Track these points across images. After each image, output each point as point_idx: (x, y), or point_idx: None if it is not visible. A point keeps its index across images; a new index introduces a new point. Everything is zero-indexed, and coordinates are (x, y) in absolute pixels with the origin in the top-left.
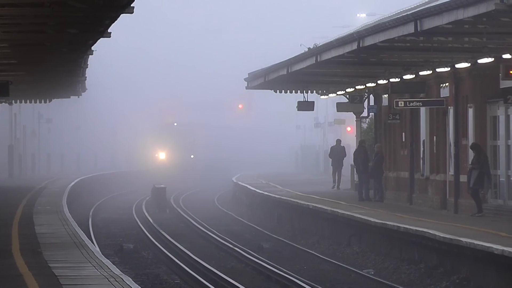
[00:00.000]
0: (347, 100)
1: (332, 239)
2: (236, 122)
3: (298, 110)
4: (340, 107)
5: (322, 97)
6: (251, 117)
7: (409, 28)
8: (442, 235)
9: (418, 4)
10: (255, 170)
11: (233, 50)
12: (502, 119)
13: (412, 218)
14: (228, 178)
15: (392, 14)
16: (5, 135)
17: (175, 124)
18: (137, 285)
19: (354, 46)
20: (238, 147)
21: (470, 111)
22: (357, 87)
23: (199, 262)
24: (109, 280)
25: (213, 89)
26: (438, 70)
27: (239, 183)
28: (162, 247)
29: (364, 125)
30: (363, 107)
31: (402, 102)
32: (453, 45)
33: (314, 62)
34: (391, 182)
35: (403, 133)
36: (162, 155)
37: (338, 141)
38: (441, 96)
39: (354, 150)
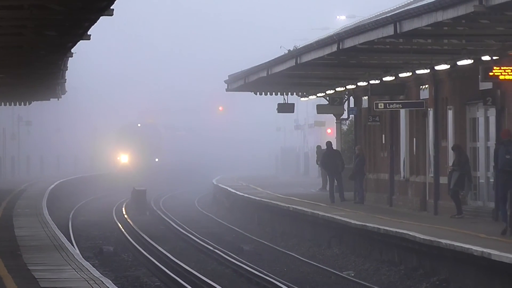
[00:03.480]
0: (327, 102)
1: (312, 241)
2: (215, 124)
3: (278, 112)
4: (320, 109)
5: (302, 99)
6: (231, 119)
7: (389, 30)
8: (422, 236)
9: (397, 6)
10: (235, 173)
11: (213, 52)
12: (481, 121)
13: (392, 219)
14: (201, 183)
15: (371, 16)
16: None
17: (139, 125)
18: None
19: (334, 48)
20: (214, 150)
21: (450, 113)
22: (337, 89)
23: (179, 264)
24: (89, 283)
25: (193, 91)
26: (417, 72)
27: (220, 185)
28: (142, 249)
29: (344, 127)
30: (343, 109)
31: (382, 104)
32: (432, 47)
33: (294, 64)
34: (371, 184)
35: (383, 135)
36: (124, 159)
37: (329, 143)
38: (421, 98)
39: (324, 152)
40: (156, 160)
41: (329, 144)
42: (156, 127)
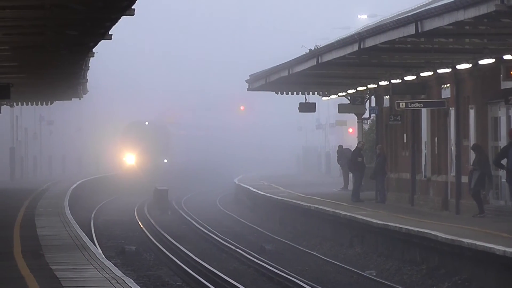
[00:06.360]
0: (349, 102)
1: (334, 240)
2: (237, 124)
3: (299, 111)
4: (342, 108)
5: (324, 98)
6: (253, 119)
7: (410, 29)
8: (443, 236)
9: (418, 5)
10: (256, 173)
11: (234, 52)
12: (503, 120)
13: (414, 219)
14: (222, 183)
15: (393, 16)
16: (6, 137)
17: (146, 123)
18: (139, 287)
19: (355, 47)
20: (235, 149)
21: (471, 112)
22: (358, 88)
23: (201, 264)
24: (111, 282)
25: (214, 91)
26: (439, 71)
27: (241, 184)
28: (164, 248)
29: (366, 126)
30: (365, 108)
31: (403, 103)
32: (454, 46)
33: (315, 63)
34: (392, 183)
35: (405, 134)
36: (130, 160)
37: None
38: (442, 97)
39: (352, 151)
40: (165, 161)
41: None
42: (165, 125)
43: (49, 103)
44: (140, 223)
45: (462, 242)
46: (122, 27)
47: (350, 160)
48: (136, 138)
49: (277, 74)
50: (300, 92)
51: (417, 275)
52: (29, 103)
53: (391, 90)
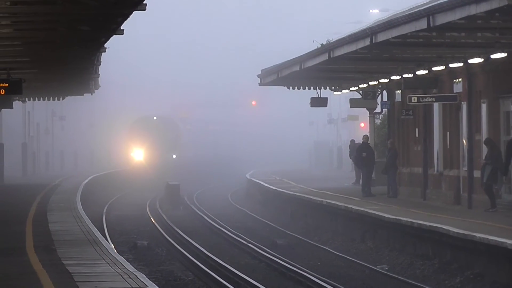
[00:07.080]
0: (360, 96)
1: (346, 235)
2: (249, 119)
3: (311, 106)
4: (353, 103)
5: (335, 93)
6: (265, 113)
7: (422, 24)
8: (456, 230)
9: None
10: (268, 168)
11: (246, 47)
12: None
13: (426, 213)
14: (233, 177)
15: (404, 10)
16: (18, 133)
17: (155, 118)
18: (151, 282)
19: (367, 42)
20: (247, 144)
21: (483, 106)
22: (370, 83)
23: (213, 259)
24: (123, 277)
25: (226, 86)
26: (451, 65)
27: (253, 179)
28: (176, 243)
29: (378, 121)
30: (376, 103)
31: (415, 98)
32: (466, 41)
33: (327, 58)
34: (404, 178)
35: (417, 129)
36: (139, 155)
37: (365, 137)
38: (454, 91)
39: (359, 145)
40: (174, 156)
41: (365, 137)
42: (174, 120)
43: (61, 99)
44: (152, 218)
45: (474, 237)
46: (133, 22)
47: (355, 156)
48: (144, 134)
49: (289, 69)
50: (311, 87)
51: (429, 269)
52: (41, 99)
53: (403, 84)
